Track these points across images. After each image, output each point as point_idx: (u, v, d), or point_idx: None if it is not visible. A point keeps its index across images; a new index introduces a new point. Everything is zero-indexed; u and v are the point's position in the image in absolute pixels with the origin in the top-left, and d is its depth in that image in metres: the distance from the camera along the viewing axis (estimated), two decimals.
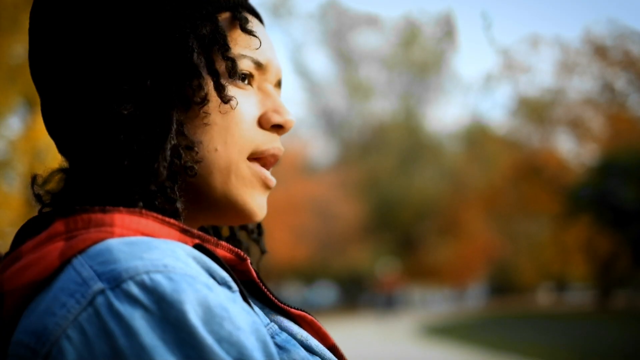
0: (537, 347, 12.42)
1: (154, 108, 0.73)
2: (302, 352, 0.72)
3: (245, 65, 0.79)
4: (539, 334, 15.11)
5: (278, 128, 0.82)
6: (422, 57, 33.60)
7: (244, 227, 0.96)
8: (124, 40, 0.74)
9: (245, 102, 0.79)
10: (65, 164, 0.81)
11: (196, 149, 0.75)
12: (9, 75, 8.04)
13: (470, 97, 46.77)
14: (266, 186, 0.82)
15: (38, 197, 0.79)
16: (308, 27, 36.86)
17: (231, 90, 0.78)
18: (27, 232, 0.74)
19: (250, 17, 0.82)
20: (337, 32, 33.69)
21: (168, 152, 0.72)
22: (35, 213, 0.77)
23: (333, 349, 0.79)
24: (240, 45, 0.79)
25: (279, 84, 0.85)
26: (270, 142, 0.81)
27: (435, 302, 35.68)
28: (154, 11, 0.75)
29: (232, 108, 0.77)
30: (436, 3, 55.53)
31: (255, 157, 0.81)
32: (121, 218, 0.68)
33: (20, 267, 0.67)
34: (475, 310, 31.45)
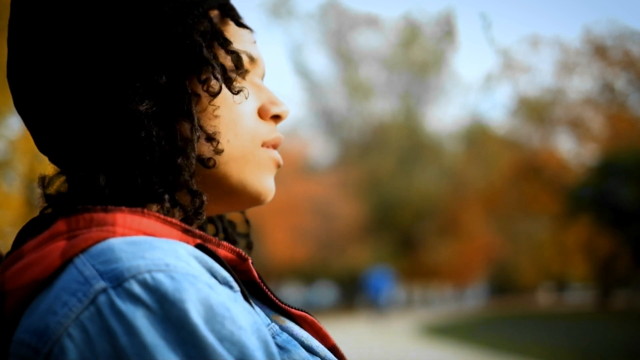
0: (537, 347, 12.41)
1: (173, 104, 0.74)
2: (303, 353, 0.72)
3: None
4: (539, 334, 15.10)
5: (276, 118, 0.85)
6: (422, 57, 33.54)
7: (233, 225, 0.97)
8: (129, 41, 0.74)
9: None
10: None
11: (217, 139, 0.77)
12: None
13: (470, 97, 46.80)
14: (278, 166, 0.85)
15: (47, 197, 0.78)
16: (308, 27, 36.77)
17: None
18: (29, 232, 0.74)
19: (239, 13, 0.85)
20: (337, 32, 33.62)
21: (195, 145, 0.74)
22: (36, 213, 0.77)
23: (333, 349, 0.79)
24: (234, 40, 0.81)
25: (262, 77, 0.88)
26: (273, 132, 0.84)
27: (435, 302, 35.68)
28: (155, 11, 0.76)
29: (245, 98, 0.79)
30: (436, 3, 55.51)
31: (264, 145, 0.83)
32: (123, 217, 0.68)
33: (22, 266, 0.67)
34: (475, 310, 31.44)
